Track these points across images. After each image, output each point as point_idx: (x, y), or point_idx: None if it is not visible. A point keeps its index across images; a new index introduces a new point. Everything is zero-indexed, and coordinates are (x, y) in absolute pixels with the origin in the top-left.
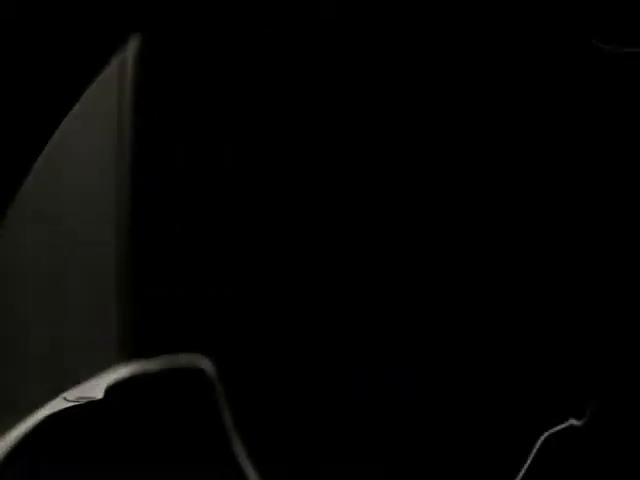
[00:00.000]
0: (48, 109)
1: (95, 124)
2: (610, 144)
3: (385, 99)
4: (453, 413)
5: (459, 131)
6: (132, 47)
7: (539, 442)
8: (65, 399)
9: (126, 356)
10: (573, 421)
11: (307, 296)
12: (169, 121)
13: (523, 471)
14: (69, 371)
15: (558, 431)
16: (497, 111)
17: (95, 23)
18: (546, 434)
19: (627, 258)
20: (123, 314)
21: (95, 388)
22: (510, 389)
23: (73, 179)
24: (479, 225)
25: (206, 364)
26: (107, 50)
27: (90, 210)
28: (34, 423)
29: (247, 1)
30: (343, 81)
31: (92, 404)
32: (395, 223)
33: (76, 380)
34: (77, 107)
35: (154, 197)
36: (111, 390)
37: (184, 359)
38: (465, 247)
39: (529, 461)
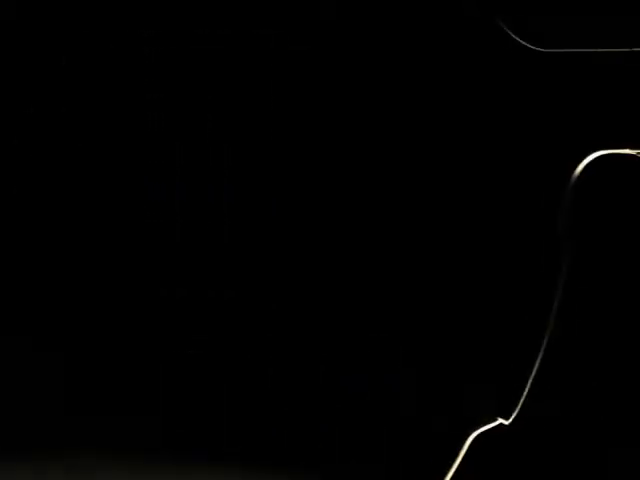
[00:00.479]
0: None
1: None
2: (531, 143)
3: (385, 99)
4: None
5: (456, 131)
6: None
7: (468, 441)
8: None
9: None
10: (501, 420)
11: (307, 296)
12: (169, 121)
13: (453, 470)
14: None
15: (487, 430)
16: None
17: (96, 23)
18: (475, 433)
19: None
20: None
21: None
22: (438, 389)
23: None
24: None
25: None
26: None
27: None
28: None
29: (247, 1)
30: (343, 81)
31: None
32: (394, 223)
33: None
34: None
35: (154, 197)
36: None
37: None
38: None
39: (459, 460)
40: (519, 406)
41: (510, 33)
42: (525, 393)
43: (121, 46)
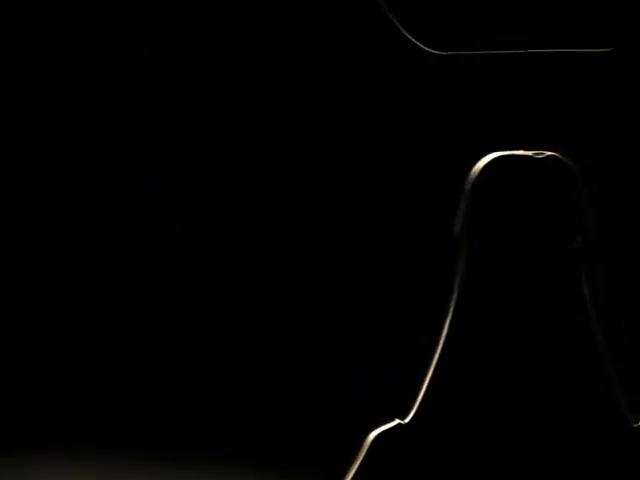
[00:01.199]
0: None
1: None
2: (428, 144)
3: (383, 99)
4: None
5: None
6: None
7: (368, 442)
8: None
9: None
10: (399, 420)
11: (307, 296)
12: (169, 121)
13: (353, 471)
14: None
15: (386, 430)
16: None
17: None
18: (375, 434)
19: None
20: None
21: None
22: (337, 390)
23: None
24: None
25: None
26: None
27: None
28: None
29: (247, 1)
30: (343, 81)
31: None
32: (394, 223)
33: None
34: None
35: (154, 197)
36: None
37: None
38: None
39: (359, 461)
40: (416, 405)
41: (408, 35)
42: (422, 392)
43: (121, 46)
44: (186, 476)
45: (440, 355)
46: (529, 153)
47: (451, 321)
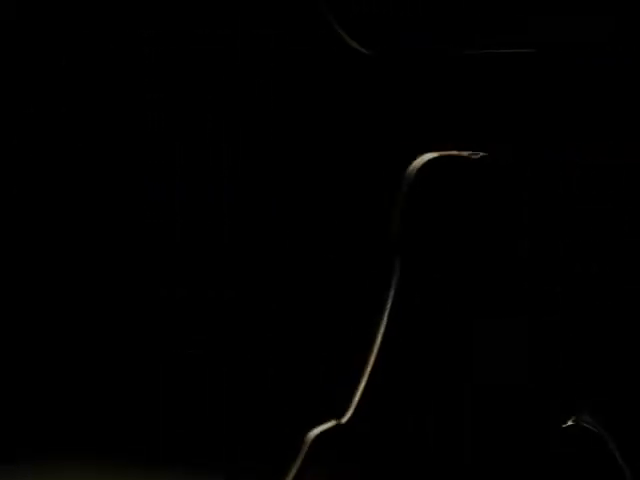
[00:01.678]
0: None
1: None
2: (372, 146)
3: (382, 99)
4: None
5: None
6: None
7: (308, 441)
8: None
9: None
10: (336, 420)
11: (307, 296)
12: (169, 121)
13: (295, 471)
14: None
15: (325, 430)
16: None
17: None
18: (314, 434)
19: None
20: None
21: None
22: (274, 391)
23: None
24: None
25: None
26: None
27: None
28: None
29: (247, 1)
30: (343, 81)
31: None
32: (329, 226)
33: None
34: None
35: (154, 197)
36: None
37: None
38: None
39: (300, 461)
40: (354, 405)
41: (344, 35)
42: (359, 392)
43: (121, 46)
44: (186, 476)
45: (376, 355)
46: (465, 154)
47: (387, 321)
